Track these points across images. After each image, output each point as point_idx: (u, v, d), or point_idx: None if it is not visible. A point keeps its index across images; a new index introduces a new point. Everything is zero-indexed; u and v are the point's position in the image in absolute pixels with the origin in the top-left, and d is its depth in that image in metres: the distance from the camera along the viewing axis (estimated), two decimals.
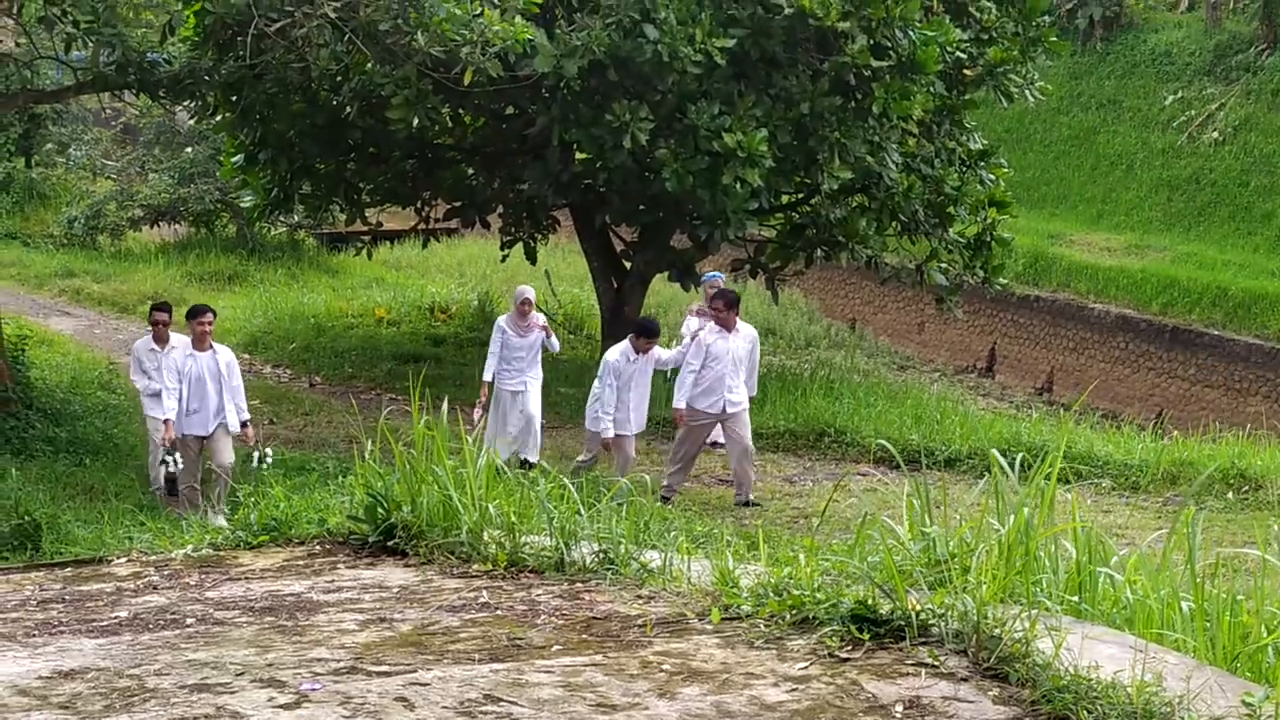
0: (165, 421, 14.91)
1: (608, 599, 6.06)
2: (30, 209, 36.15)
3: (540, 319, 18.79)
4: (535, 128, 19.73)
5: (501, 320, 18.31)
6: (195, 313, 15.53)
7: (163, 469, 14.84)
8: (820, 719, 4.69)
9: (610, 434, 16.13)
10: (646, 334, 16.70)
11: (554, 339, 18.72)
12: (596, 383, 16.55)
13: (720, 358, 16.18)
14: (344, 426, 17.63)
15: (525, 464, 15.92)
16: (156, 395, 15.66)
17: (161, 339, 16.00)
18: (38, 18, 19.08)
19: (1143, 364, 38.22)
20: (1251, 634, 5.21)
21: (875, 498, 14.40)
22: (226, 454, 15.32)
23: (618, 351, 16.67)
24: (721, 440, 17.53)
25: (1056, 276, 41.11)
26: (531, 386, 17.87)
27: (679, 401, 16.22)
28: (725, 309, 16.58)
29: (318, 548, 7.10)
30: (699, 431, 16.61)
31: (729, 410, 16.17)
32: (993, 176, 23.51)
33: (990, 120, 26.52)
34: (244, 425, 15.35)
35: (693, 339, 17.14)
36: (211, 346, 15.32)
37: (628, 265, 23.73)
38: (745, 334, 16.81)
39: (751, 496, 16.13)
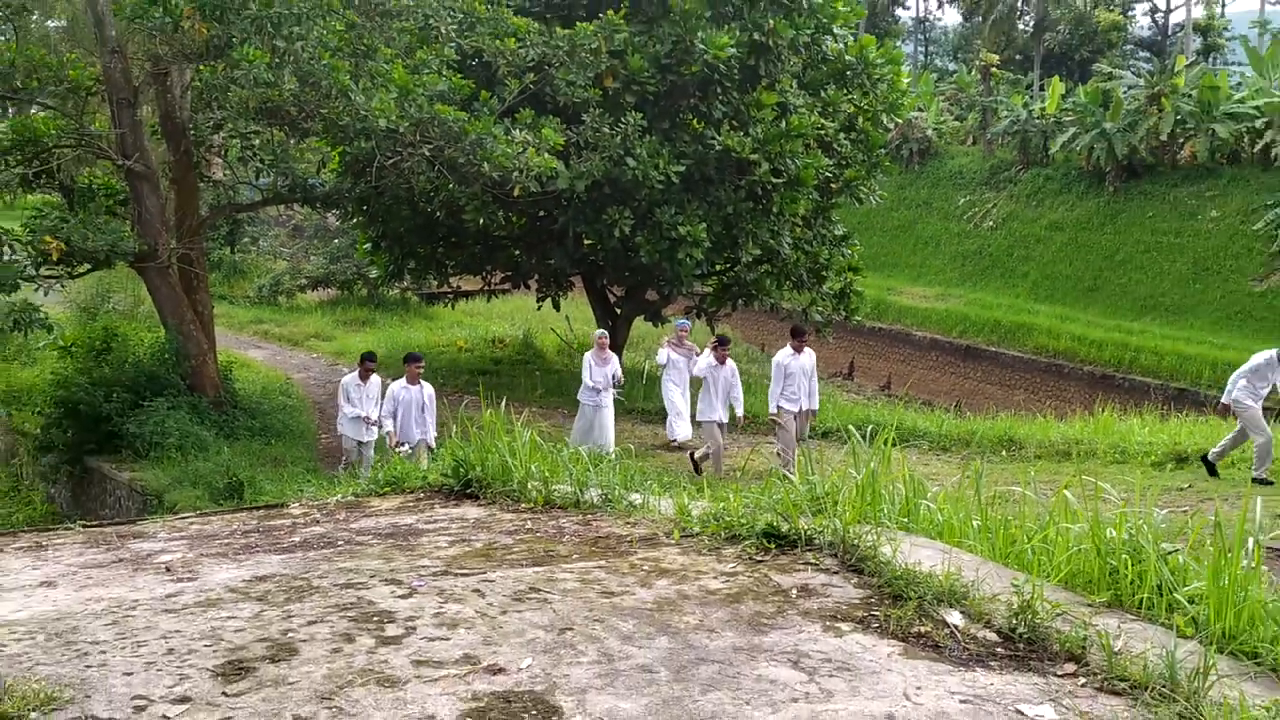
0: (388, 433, 14.15)
1: (608, 524, 6.06)
2: (234, 280, 36.17)
3: (692, 348, 17.24)
4: (558, 224, 19.77)
5: (587, 355, 16.54)
6: (412, 359, 14.59)
7: (402, 449, 13.77)
8: (744, 599, 4.70)
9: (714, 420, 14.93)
10: (723, 344, 15.39)
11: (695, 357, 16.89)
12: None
13: (795, 374, 14.57)
14: (439, 418, 17.64)
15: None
16: (356, 419, 15.01)
17: (365, 377, 15.15)
18: (238, 157, 19.07)
19: (947, 370, 38.32)
20: (1016, 541, 5.22)
21: (778, 459, 14.43)
22: (423, 461, 14.34)
23: (706, 360, 15.34)
24: (677, 437, 16.76)
25: (892, 314, 41.18)
26: (606, 401, 16.07)
27: (774, 404, 14.61)
28: (794, 337, 14.80)
29: (422, 495, 7.09)
30: (787, 425, 14.56)
31: (802, 411, 14.65)
32: (849, 251, 23.55)
33: (848, 215, 26.56)
34: (431, 449, 13.70)
35: (668, 361, 16.72)
36: (420, 383, 14.34)
37: (618, 311, 23.79)
38: (807, 355, 14.93)
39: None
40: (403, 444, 13.95)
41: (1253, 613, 4.18)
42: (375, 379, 15.03)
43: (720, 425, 15.13)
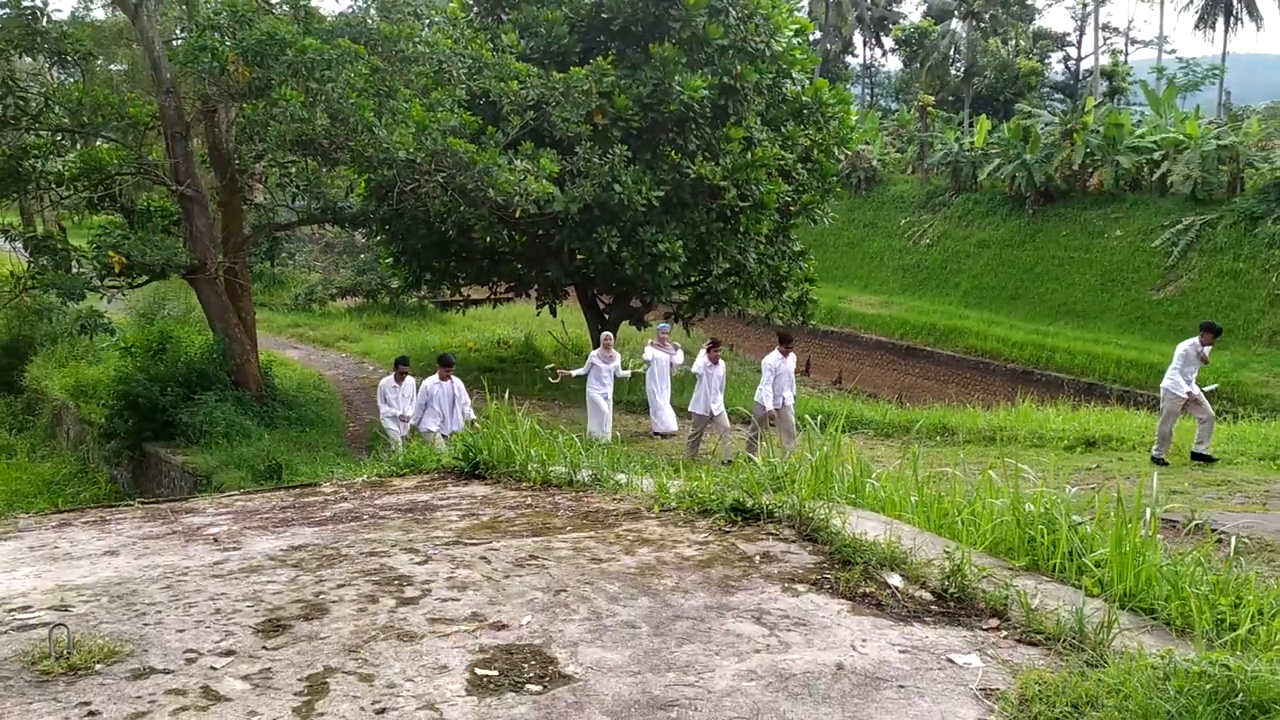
0: (412, 424, 13.91)
1: (597, 500, 6.05)
2: (273, 289, 35.92)
3: (673, 350, 16.55)
4: (554, 241, 19.72)
5: (593, 354, 16.12)
6: (445, 361, 14.12)
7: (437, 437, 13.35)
8: (714, 564, 4.69)
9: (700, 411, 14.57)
10: (715, 346, 14.95)
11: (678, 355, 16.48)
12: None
13: (781, 374, 14.21)
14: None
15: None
16: (394, 417, 14.34)
17: (400, 379, 14.51)
18: (276, 183, 18.98)
19: (890, 367, 38.33)
20: (948, 514, 5.23)
21: (745, 445, 14.43)
22: (441, 445, 13.49)
23: (701, 360, 14.76)
24: (658, 429, 16.24)
25: (843, 319, 41.20)
26: (609, 395, 15.82)
27: (767, 401, 14.10)
28: (781, 344, 14.51)
29: (437, 476, 7.06)
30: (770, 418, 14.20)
31: (785, 405, 14.16)
32: (806, 265, 23.55)
33: (805, 234, 26.59)
34: (472, 422, 13.12)
35: (652, 360, 16.08)
36: (450, 379, 13.86)
37: (606, 317, 23.73)
38: (791, 358, 14.58)
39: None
40: (430, 430, 13.70)
41: (1149, 574, 4.21)
42: (410, 380, 14.58)
43: (714, 417, 14.74)
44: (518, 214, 15.97)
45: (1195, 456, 12.25)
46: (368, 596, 4.25)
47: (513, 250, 21.28)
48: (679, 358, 16.16)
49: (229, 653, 3.68)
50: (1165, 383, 12.53)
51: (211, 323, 17.76)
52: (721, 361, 15.04)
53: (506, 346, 27.30)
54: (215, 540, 5.22)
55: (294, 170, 18.33)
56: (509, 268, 22.34)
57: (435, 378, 13.89)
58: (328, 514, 5.87)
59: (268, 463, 14.37)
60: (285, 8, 15.68)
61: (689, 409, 15.37)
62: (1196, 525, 6.42)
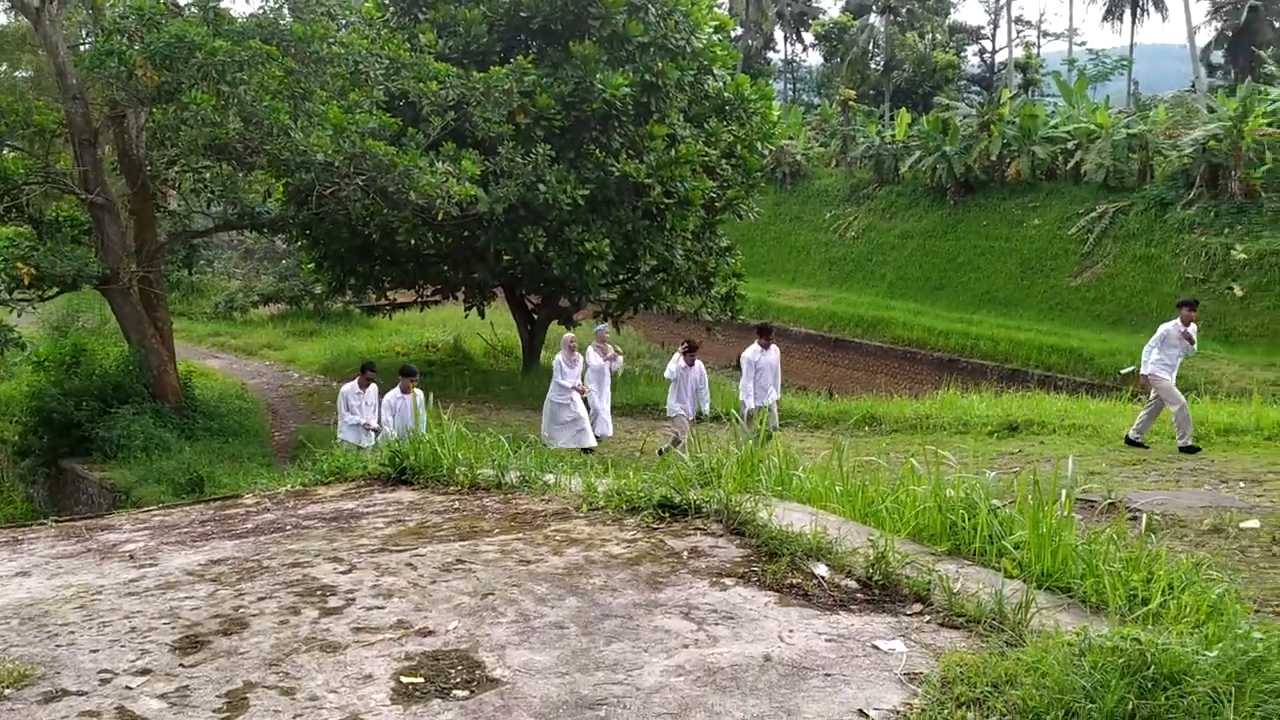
0: (376, 432, 13.02)
1: (525, 502, 6.02)
2: (192, 298, 35.19)
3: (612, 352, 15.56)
4: (480, 243, 19.58)
5: (557, 357, 15.04)
6: (408, 373, 13.34)
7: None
8: (643, 561, 4.71)
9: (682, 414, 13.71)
10: (692, 349, 14.19)
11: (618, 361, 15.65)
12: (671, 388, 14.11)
13: (764, 369, 13.59)
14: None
15: (586, 450, 13.74)
16: (356, 426, 13.47)
17: (365, 385, 13.68)
18: (190, 189, 18.59)
19: (820, 359, 38.79)
20: (873, 502, 5.31)
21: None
22: None
23: (675, 364, 14.06)
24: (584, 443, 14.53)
25: (772, 313, 41.49)
26: (576, 400, 14.56)
27: (749, 399, 13.45)
28: (760, 335, 13.89)
29: (363, 482, 6.97)
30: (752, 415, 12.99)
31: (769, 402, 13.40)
32: (733, 260, 23.70)
33: (731, 230, 26.72)
34: None
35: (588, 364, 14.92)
36: (412, 391, 12.89)
37: (535, 317, 23.68)
38: (773, 351, 14.01)
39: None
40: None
41: (1066, 554, 4.31)
42: (373, 387, 13.75)
43: (687, 419, 13.97)
44: (440, 216, 15.81)
45: (1129, 443, 12.07)
46: (289, 608, 4.18)
47: (438, 252, 21.09)
48: (618, 363, 15.42)
49: (145, 671, 3.59)
50: (1145, 370, 11.94)
51: (127, 334, 17.31)
52: (700, 364, 14.24)
53: (435, 350, 27.06)
54: (131, 557, 5.10)
55: (208, 175, 17.96)
56: (435, 270, 22.13)
57: (396, 391, 13.12)
58: (249, 526, 5.77)
59: (189, 476, 14.06)
60: (194, 10, 15.32)
61: (668, 413, 14.50)
62: (1111, 504, 6.59)
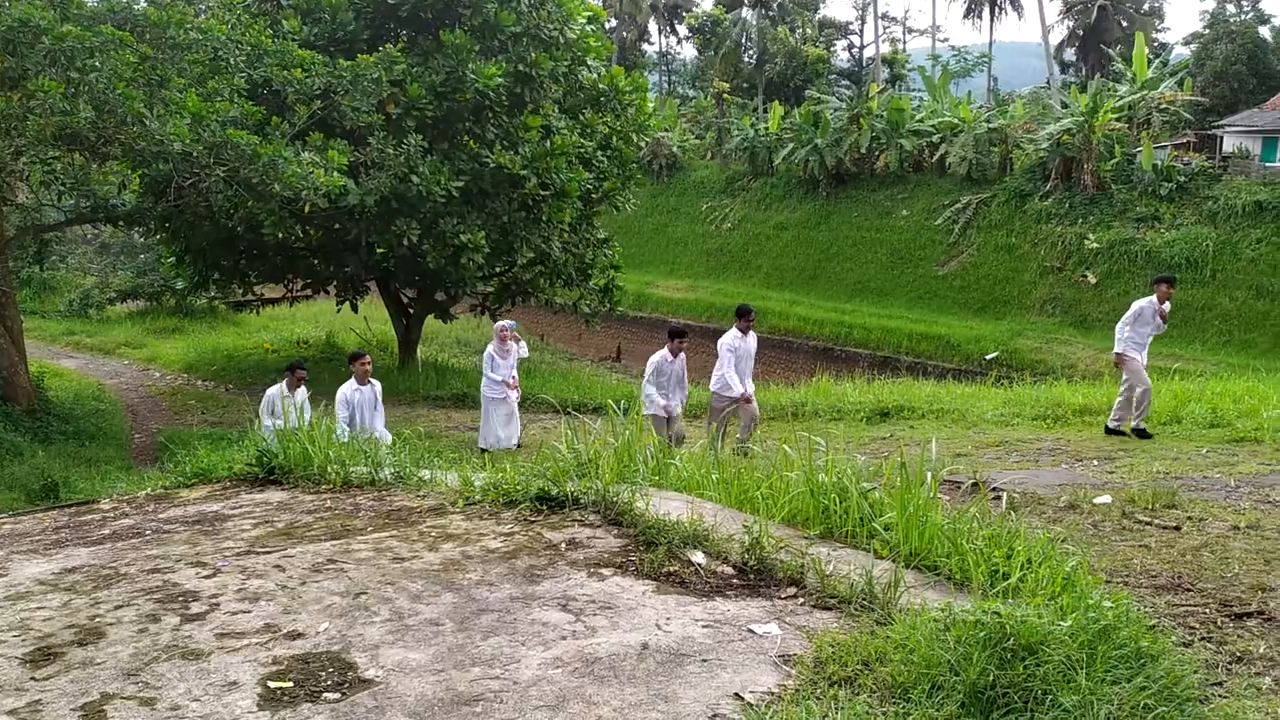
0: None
1: (400, 499, 5.93)
2: (44, 295, 33.59)
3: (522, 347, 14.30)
4: (351, 235, 19.15)
5: (490, 349, 13.80)
6: (357, 357, 11.79)
7: None
8: (520, 555, 4.68)
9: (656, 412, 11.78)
10: (680, 336, 12.42)
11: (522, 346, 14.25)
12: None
13: (743, 355, 12.04)
14: (246, 413, 16.78)
15: (518, 446, 12.89)
16: (274, 433, 11.65)
17: (294, 387, 11.77)
18: (40, 182, 17.67)
19: (699, 350, 38.96)
20: (748, 489, 5.39)
21: (554, 433, 14.38)
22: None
23: (658, 357, 12.25)
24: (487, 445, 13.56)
25: (651, 305, 41.85)
26: (512, 396, 13.61)
27: (734, 384, 11.75)
28: (740, 318, 12.07)
29: (229, 484, 6.75)
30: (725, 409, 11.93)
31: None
32: (611, 252, 23.75)
33: (609, 221, 26.78)
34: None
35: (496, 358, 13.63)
36: (370, 381, 11.54)
37: (411, 311, 23.31)
38: (752, 336, 12.23)
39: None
40: None
41: (932, 534, 4.46)
42: (303, 390, 12.02)
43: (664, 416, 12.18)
44: (308, 208, 15.40)
45: (1108, 431, 11.35)
46: (149, 616, 4.01)
47: (308, 246, 20.56)
48: (523, 350, 14.26)
49: None
50: (1118, 348, 11.28)
51: None
52: (683, 355, 12.46)
53: (307, 346, 26.41)
54: None
55: (59, 167, 17.06)
56: (304, 264, 21.57)
57: (352, 383, 11.58)
58: (106, 532, 5.52)
59: (42, 482, 13.37)
60: None
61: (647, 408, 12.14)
62: (975, 485, 6.84)
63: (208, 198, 15.13)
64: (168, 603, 4.16)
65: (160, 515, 5.85)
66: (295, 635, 3.79)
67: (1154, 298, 11.24)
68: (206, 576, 4.48)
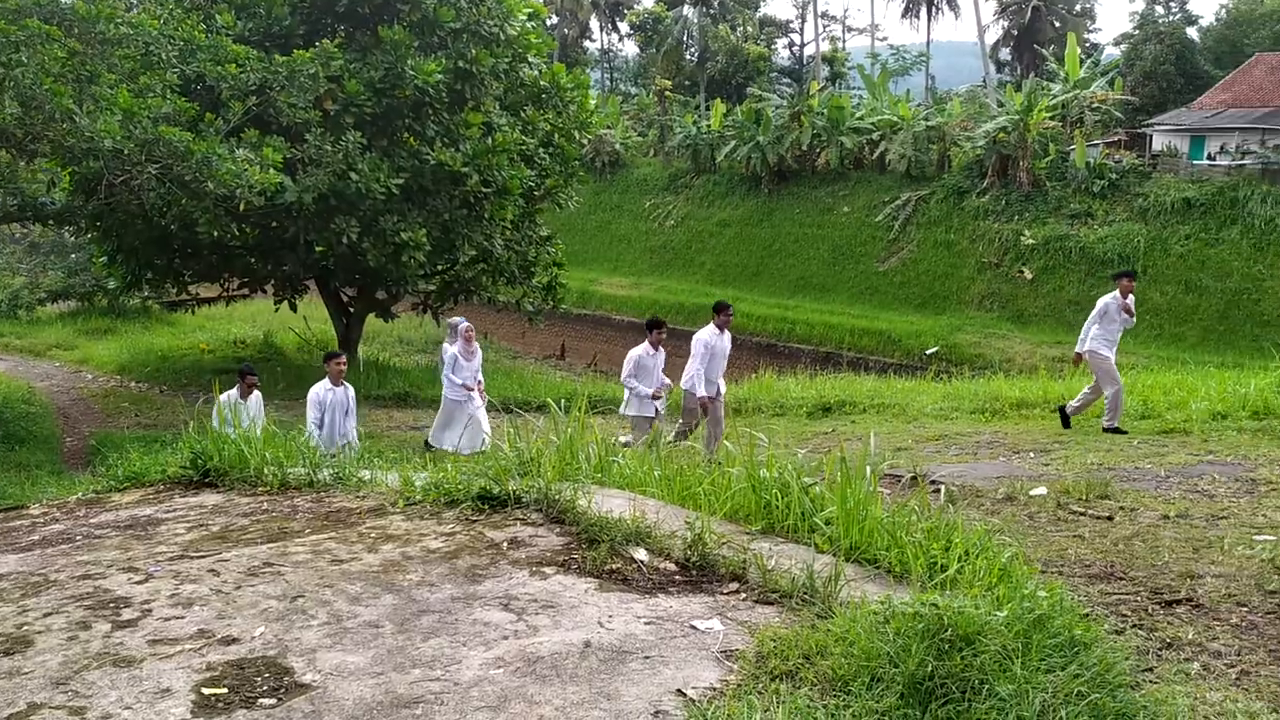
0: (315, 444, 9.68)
1: (339, 500, 5.86)
2: None
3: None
4: (289, 233, 18.86)
5: (454, 349, 13.08)
6: (333, 356, 11.19)
7: None
8: (461, 555, 4.65)
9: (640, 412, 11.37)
10: (658, 328, 11.80)
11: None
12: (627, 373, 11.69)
13: (717, 353, 11.29)
14: (180, 415, 16.44)
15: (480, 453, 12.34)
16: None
17: (246, 394, 11.17)
18: None
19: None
20: (691, 485, 5.40)
21: (498, 432, 14.26)
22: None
23: (637, 351, 11.70)
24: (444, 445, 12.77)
25: (595, 302, 41.80)
26: (475, 398, 12.96)
27: (698, 385, 11.03)
28: (720, 313, 11.37)
29: (162, 487, 6.61)
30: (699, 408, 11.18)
31: (719, 393, 11.42)
32: (554, 250, 23.69)
33: (551, 219, 26.67)
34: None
35: (453, 360, 13.05)
36: (344, 383, 11.01)
37: (351, 310, 23.04)
38: (726, 335, 11.51)
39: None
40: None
41: (872, 528, 4.50)
42: (257, 395, 11.52)
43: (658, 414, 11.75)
44: (243, 206, 15.12)
45: (1108, 430, 10.87)
46: (79, 623, 3.92)
47: (244, 244, 20.20)
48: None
49: None
50: (1084, 347, 11.09)
51: None
52: (662, 349, 11.86)
53: (244, 346, 25.97)
54: None
55: None
56: (241, 263, 21.19)
57: (325, 383, 11.02)
58: (36, 538, 5.38)
59: None
60: None
61: (629, 411, 11.83)
62: (914, 478, 6.92)
63: (140, 196, 14.79)
64: (99, 609, 4.06)
65: (91, 520, 5.72)
66: (230, 640, 3.72)
67: (1116, 293, 11.04)
68: (139, 582, 4.38)
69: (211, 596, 4.16)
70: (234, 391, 11.27)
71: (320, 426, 10.65)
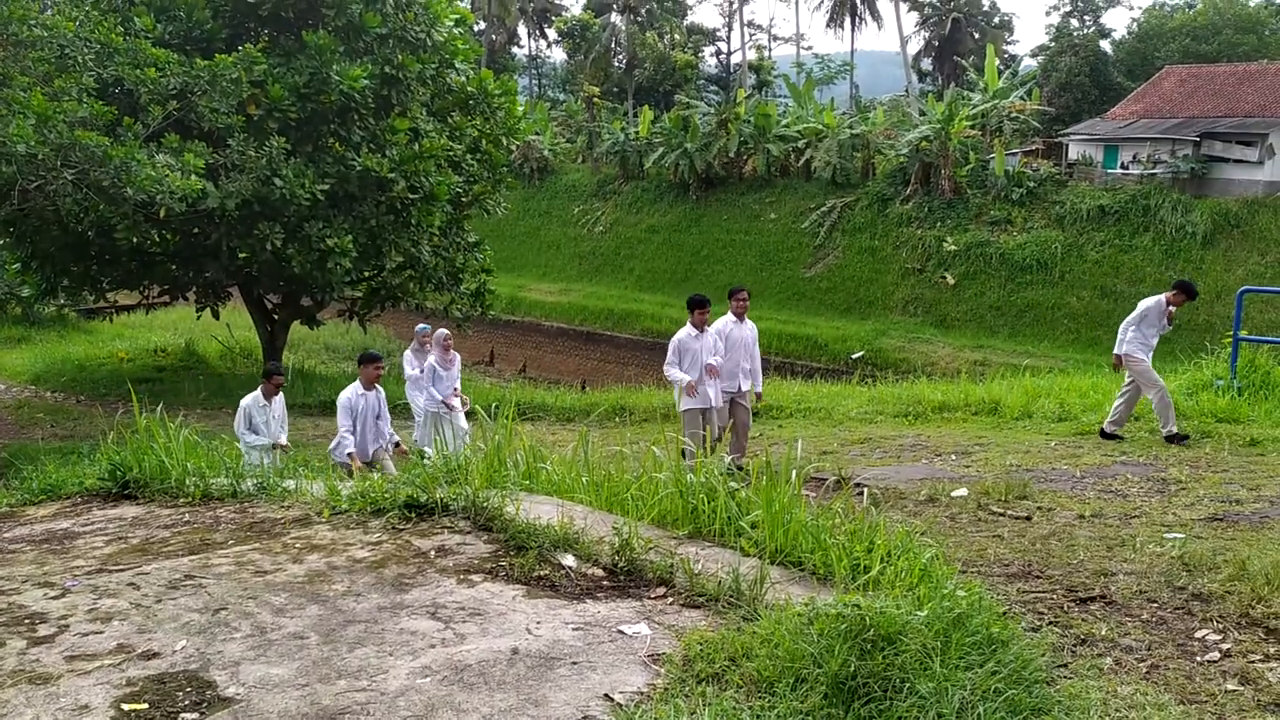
0: (350, 455, 9.99)
1: (263, 510, 5.76)
2: None
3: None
4: (211, 240, 18.49)
5: (431, 358, 12.78)
6: (370, 359, 10.61)
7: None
8: (388, 563, 4.61)
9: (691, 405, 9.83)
10: (701, 307, 10.13)
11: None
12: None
13: (735, 346, 10.39)
14: (98, 425, 16.01)
15: None
16: (259, 447, 10.39)
17: (270, 395, 10.77)
18: None
19: (572, 353, 39.21)
20: (619, 491, 5.42)
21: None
22: (390, 468, 10.00)
23: (681, 334, 10.18)
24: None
25: (524, 309, 41.64)
26: (455, 405, 12.53)
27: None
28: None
29: (80, 499, 6.43)
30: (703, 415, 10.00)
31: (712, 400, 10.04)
32: (482, 256, 23.52)
33: (480, 225, 26.55)
34: (397, 445, 10.81)
35: (423, 370, 12.79)
36: (376, 387, 10.56)
37: (275, 318, 22.64)
38: (750, 326, 10.76)
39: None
40: (369, 462, 10.34)
41: (797, 531, 4.57)
42: (280, 398, 11.04)
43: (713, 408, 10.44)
44: (163, 213, 14.79)
45: (1105, 436, 10.48)
46: None
47: (165, 251, 19.74)
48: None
49: None
50: (1121, 349, 10.40)
51: None
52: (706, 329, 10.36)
53: (165, 354, 25.39)
54: None
55: None
56: (162, 270, 20.70)
57: (357, 387, 10.52)
58: None
59: None
60: None
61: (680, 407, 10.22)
62: (839, 481, 7.03)
63: (55, 201, 14.39)
64: (13, 625, 3.95)
65: (4, 535, 5.55)
66: (150, 655, 3.64)
67: (1163, 296, 10.39)
68: (55, 597, 4.27)
69: (131, 610, 4.07)
70: (257, 393, 10.86)
71: (353, 433, 10.31)
